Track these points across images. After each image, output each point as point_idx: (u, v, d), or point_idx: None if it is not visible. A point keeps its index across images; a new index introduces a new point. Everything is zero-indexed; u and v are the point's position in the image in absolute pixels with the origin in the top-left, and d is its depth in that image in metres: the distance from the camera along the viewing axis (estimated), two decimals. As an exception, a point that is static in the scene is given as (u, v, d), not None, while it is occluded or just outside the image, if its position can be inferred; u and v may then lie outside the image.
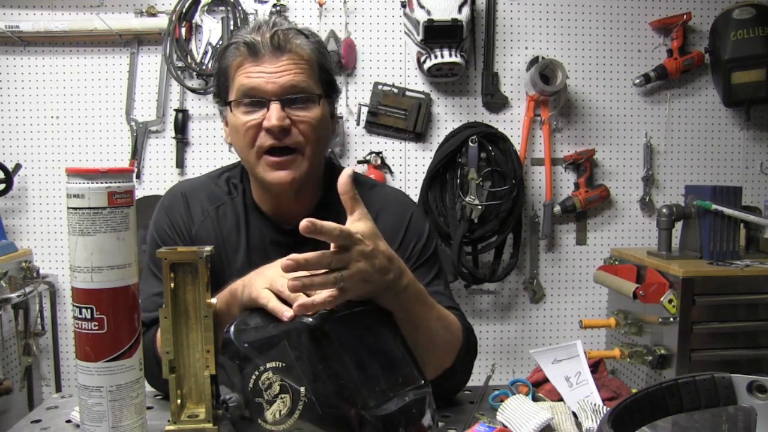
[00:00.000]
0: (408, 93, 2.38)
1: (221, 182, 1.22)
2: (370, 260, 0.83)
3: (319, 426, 0.76)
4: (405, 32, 2.35)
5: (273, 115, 1.03)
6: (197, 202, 1.18)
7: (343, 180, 0.85)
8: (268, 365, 0.80)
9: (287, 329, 0.79)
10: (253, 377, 0.81)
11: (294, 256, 0.78)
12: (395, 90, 2.38)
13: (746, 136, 2.52)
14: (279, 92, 1.04)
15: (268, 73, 1.04)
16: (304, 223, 0.78)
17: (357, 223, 0.85)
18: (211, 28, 2.29)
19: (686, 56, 2.40)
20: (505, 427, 0.89)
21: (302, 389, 0.77)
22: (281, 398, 0.78)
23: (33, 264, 2.32)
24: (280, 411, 0.78)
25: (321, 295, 0.80)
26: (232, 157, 2.35)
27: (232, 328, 0.86)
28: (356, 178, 1.26)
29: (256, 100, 1.05)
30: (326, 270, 0.80)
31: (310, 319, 0.78)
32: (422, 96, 2.38)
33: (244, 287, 0.90)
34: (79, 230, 0.78)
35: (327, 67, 1.12)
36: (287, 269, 0.78)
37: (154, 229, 1.19)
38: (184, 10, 2.27)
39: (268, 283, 0.86)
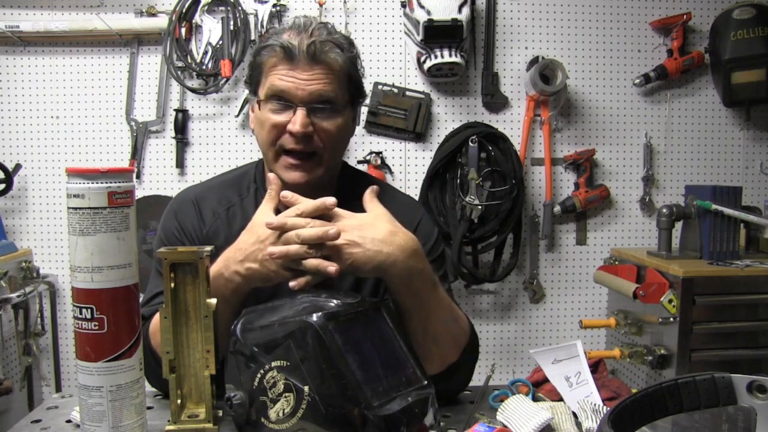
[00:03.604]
0: (408, 93, 2.38)
1: (232, 184, 1.24)
2: (360, 230, 0.94)
3: (321, 425, 0.76)
4: (405, 32, 2.35)
5: (298, 120, 1.07)
6: (208, 206, 1.20)
7: (366, 194, 1.03)
8: (273, 364, 0.80)
9: (292, 329, 0.80)
10: (258, 375, 0.81)
11: (272, 218, 0.96)
12: (395, 90, 2.38)
13: (746, 136, 2.52)
14: (307, 99, 1.08)
15: (299, 80, 1.08)
16: (284, 193, 0.99)
17: (366, 207, 1.01)
18: (211, 28, 2.29)
19: (686, 56, 2.40)
20: (505, 427, 0.89)
21: (306, 388, 0.77)
22: (285, 397, 0.79)
23: (33, 264, 2.32)
24: (283, 410, 0.79)
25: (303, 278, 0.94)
26: (232, 158, 2.38)
27: (239, 327, 0.87)
28: (370, 180, 1.32)
29: (285, 102, 1.09)
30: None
31: (315, 319, 0.79)
32: (422, 96, 2.38)
33: (236, 265, 0.97)
34: (79, 230, 0.78)
35: (356, 77, 1.17)
36: (270, 227, 0.95)
37: (163, 232, 1.20)
38: (184, 10, 2.27)
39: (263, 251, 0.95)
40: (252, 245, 0.95)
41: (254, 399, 0.82)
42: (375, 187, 1.04)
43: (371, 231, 0.94)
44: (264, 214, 0.99)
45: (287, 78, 1.09)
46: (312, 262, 0.92)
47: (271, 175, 1.04)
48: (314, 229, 0.92)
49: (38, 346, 2.29)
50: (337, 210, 0.95)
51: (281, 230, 0.94)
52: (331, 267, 0.91)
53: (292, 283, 0.92)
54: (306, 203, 0.96)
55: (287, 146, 1.09)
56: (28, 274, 2.26)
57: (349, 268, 0.93)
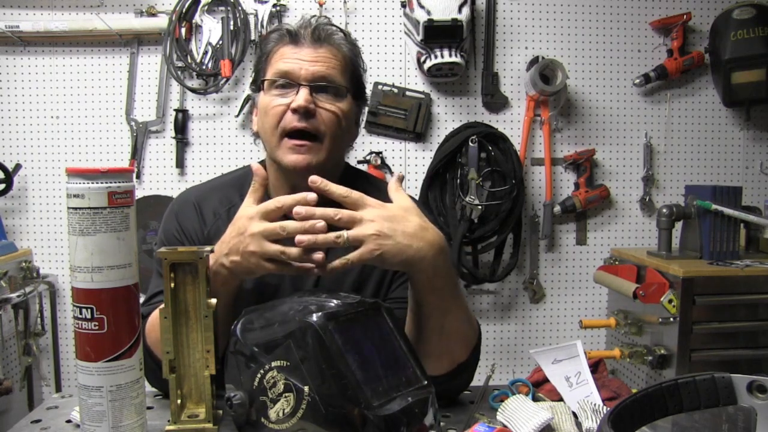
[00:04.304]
0: (408, 93, 2.38)
1: (234, 184, 1.23)
2: (392, 222, 0.90)
3: (321, 425, 0.76)
4: (405, 32, 2.35)
5: (301, 96, 1.08)
6: (209, 207, 1.20)
7: (392, 182, 0.99)
8: (273, 364, 0.80)
9: (292, 329, 0.80)
10: (258, 375, 0.81)
11: (300, 208, 0.90)
12: (395, 90, 2.38)
13: (746, 136, 2.52)
14: (310, 79, 1.10)
15: (304, 60, 1.10)
16: (312, 177, 0.92)
17: (392, 196, 0.97)
18: (211, 28, 2.29)
19: (686, 56, 2.40)
20: (505, 427, 0.89)
21: (306, 388, 0.77)
22: (285, 397, 0.79)
23: (33, 264, 2.32)
24: (283, 410, 0.79)
25: (338, 260, 0.90)
26: (232, 158, 2.37)
27: (239, 327, 0.86)
28: (370, 180, 1.30)
29: (288, 82, 1.10)
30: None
31: (315, 319, 0.79)
32: (422, 96, 2.38)
33: (222, 258, 0.95)
34: (79, 230, 0.78)
35: (358, 72, 1.19)
36: (298, 217, 0.90)
37: (163, 233, 1.20)
38: (184, 10, 2.27)
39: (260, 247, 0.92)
40: (234, 238, 0.94)
41: (254, 399, 0.82)
42: (400, 173, 1.03)
43: (402, 224, 0.91)
44: (247, 207, 0.97)
45: (292, 59, 1.10)
46: (294, 251, 0.90)
47: (254, 166, 1.01)
48: (298, 223, 0.90)
49: (38, 346, 2.29)
50: (367, 199, 0.92)
51: (302, 219, 0.91)
52: (318, 255, 0.89)
53: (334, 263, 0.90)
54: (285, 197, 0.93)
55: (290, 125, 1.09)
56: (28, 274, 2.26)
57: (377, 260, 0.90)
